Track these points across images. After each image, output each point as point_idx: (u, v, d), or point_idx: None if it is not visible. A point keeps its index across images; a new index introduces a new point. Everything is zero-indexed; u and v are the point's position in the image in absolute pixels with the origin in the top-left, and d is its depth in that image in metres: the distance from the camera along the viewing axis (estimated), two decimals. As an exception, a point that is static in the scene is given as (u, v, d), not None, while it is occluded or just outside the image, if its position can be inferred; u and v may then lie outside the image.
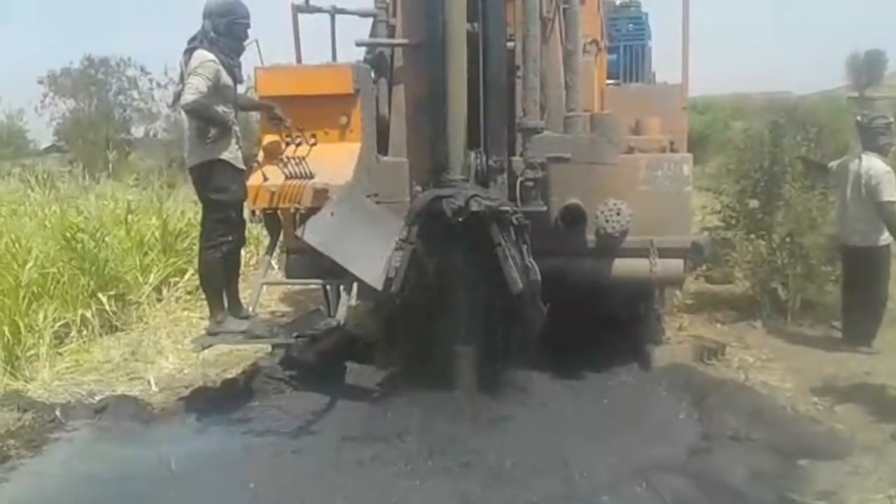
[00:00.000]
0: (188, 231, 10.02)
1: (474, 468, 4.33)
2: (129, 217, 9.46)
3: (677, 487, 3.87)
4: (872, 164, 6.25)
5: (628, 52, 9.17)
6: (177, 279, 9.04)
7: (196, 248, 9.60)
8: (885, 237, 6.24)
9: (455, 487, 4.10)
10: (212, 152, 4.94)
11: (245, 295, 7.71)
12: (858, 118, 6.66)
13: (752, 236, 7.81)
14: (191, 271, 9.29)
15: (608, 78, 7.26)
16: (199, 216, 10.33)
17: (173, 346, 7.29)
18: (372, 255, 5.04)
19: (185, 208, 11.10)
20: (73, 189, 11.07)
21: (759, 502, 3.80)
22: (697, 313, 7.84)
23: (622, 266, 5.41)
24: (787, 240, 7.37)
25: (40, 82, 25.97)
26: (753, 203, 8.00)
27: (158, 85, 26.08)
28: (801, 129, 8.16)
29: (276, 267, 6.16)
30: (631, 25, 9.53)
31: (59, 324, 7.07)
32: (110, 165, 12.01)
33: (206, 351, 6.46)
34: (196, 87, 4.76)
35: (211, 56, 4.89)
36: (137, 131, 27.69)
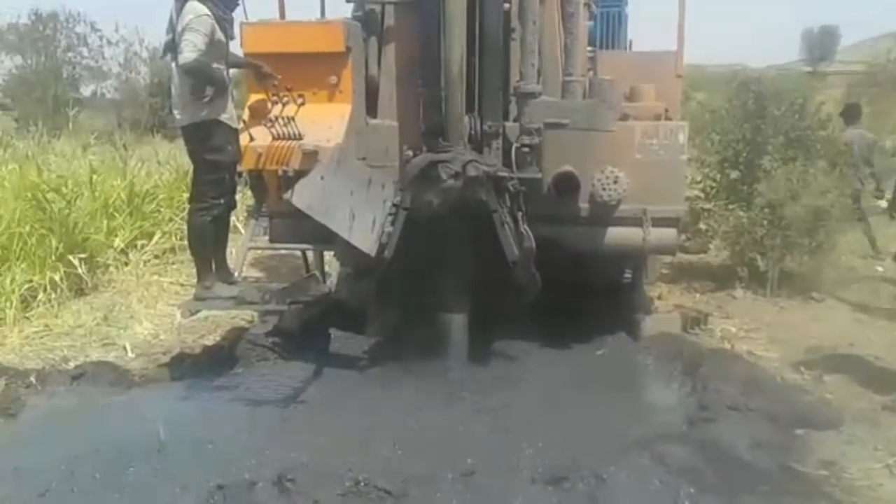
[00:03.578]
0: (155, 193, 9.78)
1: (470, 440, 4.26)
2: (94, 178, 9.13)
3: (682, 458, 3.84)
4: None
5: (605, 18, 9.03)
6: (144, 242, 8.83)
7: (164, 210, 9.54)
8: None
9: (453, 459, 4.00)
10: (209, 112, 4.73)
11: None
12: None
13: (733, 207, 7.85)
14: (158, 234, 9.10)
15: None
16: (165, 177, 10.30)
17: (146, 310, 7.11)
18: (364, 220, 4.91)
19: (151, 169, 10.82)
20: (32, 148, 10.64)
21: (764, 472, 3.81)
22: (675, 283, 7.89)
23: (615, 234, 5.37)
24: (767, 210, 7.41)
25: (-15, 38, 25.04)
26: (734, 174, 8.04)
27: (109, 42, 25.43)
28: (784, 100, 8.14)
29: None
30: (608, -9, 9.39)
31: (26, 286, 6.81)
32: (70, 123, 11.58)
33: (180, 316, 6.34)
34: (195, 45, 4.53)
35: (205, 10, 4.66)
36: (86, 90, 26.94)
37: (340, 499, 3.51)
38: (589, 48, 7.07)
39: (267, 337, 5.74)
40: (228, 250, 5.37)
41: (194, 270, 5.21)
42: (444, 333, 5.12)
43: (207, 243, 4.96)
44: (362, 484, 3.57)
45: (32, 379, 5.19)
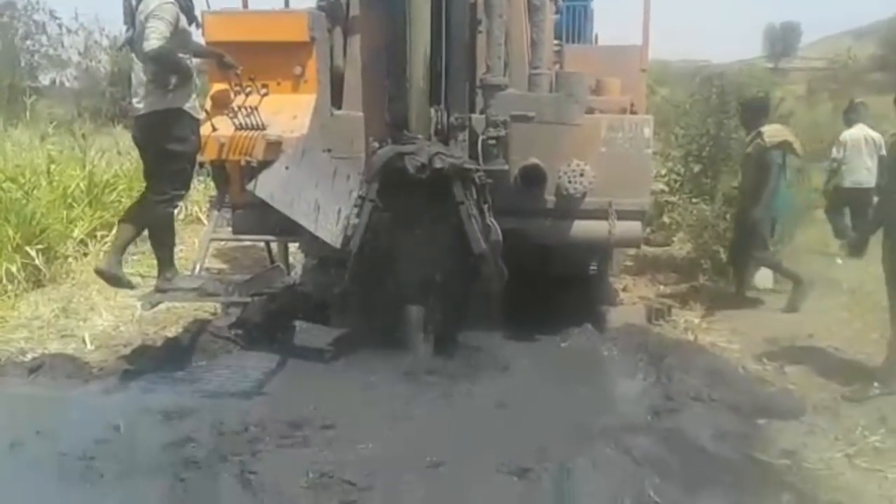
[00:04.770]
0: (115, 183, 9.60)
1: (435, 431, 4.25)
2: (52, 167, 8.94)
3: (647, 448, 3.85)
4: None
5: (571, 12, 9.03)
6: (104, 233, 8.65)
7: (124, 201, 9.36)
8: None
9: (418, 450, 3.98)
10: (172, 101, 4.61)
11: (181, 248, 7.50)
12: None
13: (696, 200, 7.92)
14: (119, 225, 8.91)
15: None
16: (127, 167, 10.11)
17: (105, 302, 6.95)
18: (329, 211, 4.88)
19: (111, 159, 10.62)
20: (-13, 136, 10.41)
21: (728, 462, 3.84)
22: (639, 275, 7.95)
23: (581, 227, 5.38)
24: (728, 204, 7.47)
25: (-57, 24, 24.42)
26: (697, 167, 8.12)
27: (68, 30, 24.91)
28: (746, 95, 8.24)
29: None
30: (574, -15, 9.39)
31: (-19, 278, 6.66)
32: (27, 112, 11.31)
33: (141, 308, 6.23)
34: (161, 32, 4.42)
35: None
36: (45, 79, 26.39)
37: (305, 491, 3.48)
38: (555, 42, 7.08)
39: (230, 329, 5.70)
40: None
41: (155, 262, 5.12)
42: (409, 325, 5.09)
43: (170, 235, 4.90)
44: (327, 476, 3.55)
45: (-12, 372, 5.08)
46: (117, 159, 10.80)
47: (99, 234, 8.56)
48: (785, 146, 6.62)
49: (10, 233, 7.20)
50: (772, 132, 6.64)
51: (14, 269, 7.00)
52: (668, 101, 10.79)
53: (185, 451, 3.94)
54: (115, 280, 4.90)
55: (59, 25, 24.78)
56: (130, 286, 5.16)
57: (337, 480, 3.53)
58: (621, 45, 6.55)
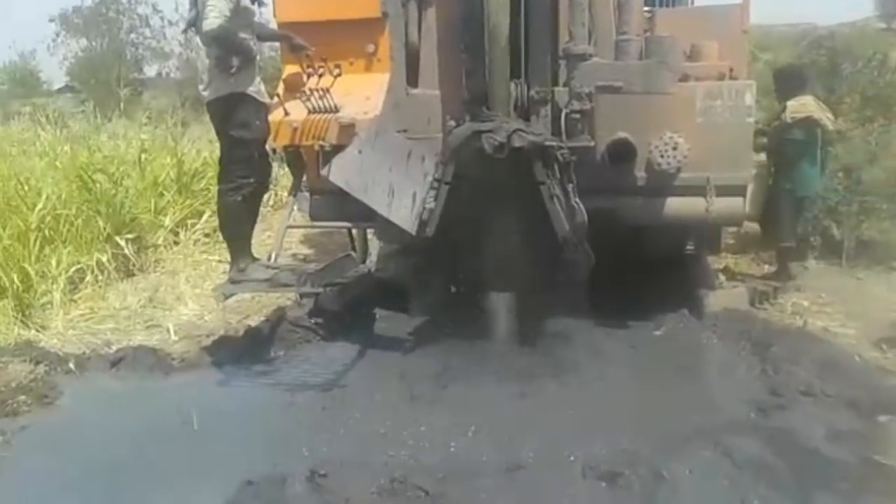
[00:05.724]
0: (204, 171, 9.69)
1: (516, 430, 4.00)
2: (143, 157, 9.07)
3: (751, 450, 3.53)
4: None
5: (662, -24, 8.49)
6: (194, 221, 8.73)
7: (212, 188, 9.41)
8: None
9: (497, 451, 3.76)
10: (235, 85, 4.51)
11: (263, 237, 7.46)
12: None
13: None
14: (208, 213, 8.97)
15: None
16: (216, 155, 10.21)
17: (192, 291, 6.98)
18: (404, 195, 4.66)
19: (201, 147, 10.74)
20: (85, 128, 10.66)
21: (844, 466, 3.46)
22: (742, 254, 7.45)
23: (675, 205, 5.03)
24: (843, 175, 6.89)
25: (52, 21, 25.57)
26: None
27: (170, 23, 25.66)
28: (858, 57, 7.58)
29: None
30: (666, -58, 8.84)
31: (73, 269, 6.75)
32: (122, 104, 11.55)
33: (215, 300, 6.20)
34: (219, 10, 4.29)
35: None
36: (150, 70, 27.30)
37: (373, 497, 3.30)
38: (646, 9, 6.65)
39: (310, 318, 5.59)
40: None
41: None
42: (492, 313, 4.88)
43: (240, 224, 4.81)
44: (398, 481, 3.35)
45: (72, 365, 5.11)
46: (208, 147, 10.91)
47: (189, 222, 8.64)
48: (810, 123, 6.06)
49: (101, 223, 7.32)
50: (795, 107, 6.12)
51: (105, 259, 7.09)
52: (772, 66, 10.05)
53: (255, 451, 3.85)
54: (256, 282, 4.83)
55: (162, 18, 25.60)
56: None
57: (408, 486, 3.34)
58: (719, 5, 6.05)
